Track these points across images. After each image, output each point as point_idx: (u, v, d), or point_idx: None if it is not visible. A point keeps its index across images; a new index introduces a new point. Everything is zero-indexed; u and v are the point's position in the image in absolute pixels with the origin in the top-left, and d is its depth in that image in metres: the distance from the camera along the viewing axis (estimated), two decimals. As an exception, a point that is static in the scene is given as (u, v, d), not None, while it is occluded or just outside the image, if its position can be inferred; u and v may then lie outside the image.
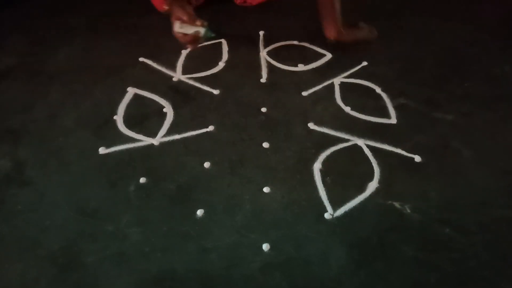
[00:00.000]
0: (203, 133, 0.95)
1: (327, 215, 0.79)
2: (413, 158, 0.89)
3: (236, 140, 0.94)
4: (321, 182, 0.85)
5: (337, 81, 1.09)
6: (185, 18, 0.97)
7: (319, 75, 1.11)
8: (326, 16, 1.15)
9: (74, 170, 0.87)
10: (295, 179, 0.86)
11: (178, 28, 0.98)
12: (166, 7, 1.05)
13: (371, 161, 0.89)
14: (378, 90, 1.06)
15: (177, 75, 1.11)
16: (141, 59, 1.15)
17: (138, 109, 1.01)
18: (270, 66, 1.14)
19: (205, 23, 0.98)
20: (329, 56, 1.17)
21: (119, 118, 0.99)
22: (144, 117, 0.99)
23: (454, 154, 0.91)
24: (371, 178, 0.85)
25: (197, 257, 0.73)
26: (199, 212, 0.80)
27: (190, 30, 0.98)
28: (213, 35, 1.00)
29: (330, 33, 1.16)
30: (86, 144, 0.93)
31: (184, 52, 1.17)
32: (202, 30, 0.98)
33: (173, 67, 1.13)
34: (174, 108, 1.01)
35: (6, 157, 0.90)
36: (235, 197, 0.82)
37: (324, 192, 0.83)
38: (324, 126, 0.97)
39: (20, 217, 0.79)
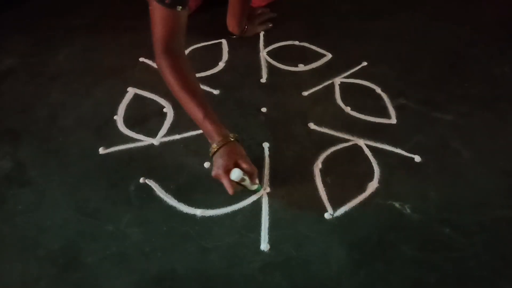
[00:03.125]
0: (203, 133, 0.95)
1: (327, 215, 0.79)
2: (413, 158, 0.89)
3: (236, 140, 0.93)
4: (321, 182, 0.85)
5: (337, 81, 1.09)
6: (249, 168, 0.77)
7: (319, 75, 1.11)
8: (234, 14, 1.19)
9: (74, 170, 0.88)
10: (295, 179, 0.86)
11: (237, 176, 0.74)
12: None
13: (371, 161, 0.89)
14: (378, 90, 1.06)
15: (177, 75, 1.11)
16: (141, 59, 1.15)
17: (138, 109, 1.01)
18: (270, 66, 1.14)
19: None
20: (329, 56, 1.17)
21: (119, 118, 0.99)
22: (144, 117, 0.99)
23: (454, 154, 0.91)
24: (371, 178, 0.85)
25: (197, 257, 0.73)
26: (199, 212, 0.80)
27: (249, 186, 0.79)
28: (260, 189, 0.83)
29: (234, 29, 1.22)
30: (86, 144, 0.93)
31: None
32: (255, 187, 0.81)
33: (173, 67, 1.13)
34: (174, 108, 1.01)
35: (6, 157, 0.90)
36: (235, 197, 0.82)
37: (324, 192, 0.83)
38: (324, 126, 0.97)
39: (20, 217, 0.79)
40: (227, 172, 0.75)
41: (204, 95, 0.84)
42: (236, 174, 0.74)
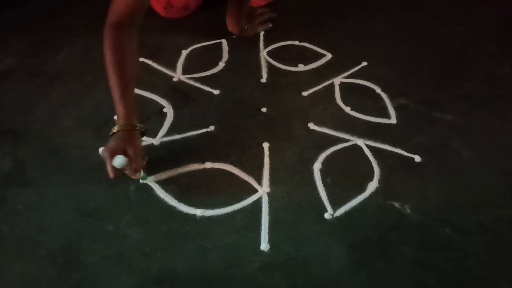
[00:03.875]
0: (203, 133, 0.95)
1: (327, 215, 0.79)
2: (413, 158, 0.89)
3: (236, 140, 0.94)
4: (321, 182, 0.85)
5: (337, 81, 1.09)
6: (134, 160, 0.77)
7: (319, 75, 1.11)
8: (234, 14, 1.19)
9: (74, 170, 0.87)
10: (295, 179, 0.86)
11: (118, 163, 0.75)
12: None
13: (371, 161, 0.89)
14: (378, 90, 1.06)
15: (177, 75, 1.11)
16: (141, 59, 1.15)
17: (138, 109, 1.00)
18: (270, 66, 1.14)
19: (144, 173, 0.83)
20: (329, 56, 1.17)
21: (119, 118, 0.99)
22: (144, 117, 0.99)
23: (454, 154, 0.91)
24: (371, 178, 0.85)
25: (197, 257, 0.73)
26: (199, 212, 0.80)
27: (131, 175, 0.79)
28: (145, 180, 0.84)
29: (234, 29, 1.21)
30: (86, 144, 0.93)
31: (184, 52, 1.17)
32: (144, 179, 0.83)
33: (173, 67, 1.13)
34: (174, 108, 1.01)
35: (6, 157, 0.90)
36: (235, 197, 0.82)
37: (324, 192, 0.83)
38: (324, 126, 0.97)
39: (20, 217, 0.79)
40: (112, 156, 0.76)
41: (135, 80, 0.84)
42: (117, 161, 0.75)
